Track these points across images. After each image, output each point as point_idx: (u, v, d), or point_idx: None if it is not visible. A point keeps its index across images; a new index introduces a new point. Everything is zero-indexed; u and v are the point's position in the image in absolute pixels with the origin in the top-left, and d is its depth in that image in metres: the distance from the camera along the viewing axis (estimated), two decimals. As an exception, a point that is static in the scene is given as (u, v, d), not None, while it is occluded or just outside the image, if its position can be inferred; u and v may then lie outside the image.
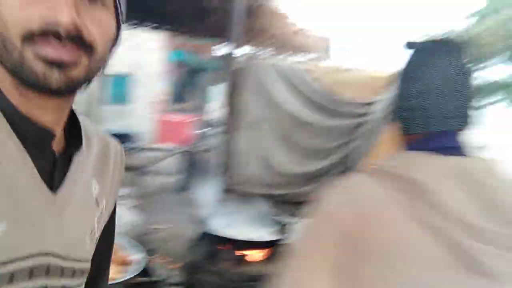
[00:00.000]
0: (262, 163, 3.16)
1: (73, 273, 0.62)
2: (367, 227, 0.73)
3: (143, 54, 7.42)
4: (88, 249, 0.66)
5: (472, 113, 0.83)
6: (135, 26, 4.84)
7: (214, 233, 2.07)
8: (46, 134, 0.58)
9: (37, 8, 0.50)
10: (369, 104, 3.00)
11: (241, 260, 2.10)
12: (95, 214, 0.68)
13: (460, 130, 0.81)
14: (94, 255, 0.69)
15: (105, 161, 0.72)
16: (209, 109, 7.72)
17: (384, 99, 2.86)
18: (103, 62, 0.59)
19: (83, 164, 0.65)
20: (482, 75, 12.44)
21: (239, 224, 2.26)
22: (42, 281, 0.56)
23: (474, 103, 0.85)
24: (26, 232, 0.54)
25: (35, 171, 0.55)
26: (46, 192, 0.57)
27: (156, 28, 5.04)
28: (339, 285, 0.73)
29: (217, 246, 2.02)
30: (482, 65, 11.88)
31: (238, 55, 3.25)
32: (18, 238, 0.53)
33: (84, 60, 0.54)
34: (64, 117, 0.61)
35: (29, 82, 0.52)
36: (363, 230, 0.73)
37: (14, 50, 0.51)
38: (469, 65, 0.84)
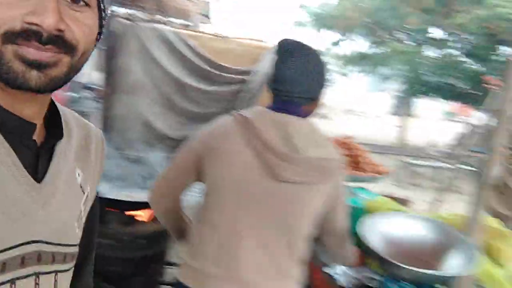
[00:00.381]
0: (144, 127, 3.14)
1: (64, 257, 0.63)
2: (216, 141, 1.26)
3: None
4: (77, 234, 0.68)
5: (319, 93, 1.31)
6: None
7: (103, 195, 2.09)
8: (27, 126, 0.58)
9: (20, 9, 0.50)
10: (247, 72, 3.19)
11: (131, 220, 2.18)
12: (81, 199, 0.69)
13: (303, 103, 1.28)
14: (81, 238, 0.70)
15: (87, 149, 0.72)
16: (85, 71, 7.16)
17: (261, 69, 3.08)
18: (85, 59, 0.59)
19: (66, 153, 0.65)
20: (348, 46, 13.66)
21: (126, 186, 2.31)
22: (34, 268, 0.57)
23: (324, 84, 1.32)
24: (14, 222, 0.54)
25: (19, 162, 0.56)
26: (31, 182, 0.57)
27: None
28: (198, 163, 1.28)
29: (106, 208, 2.05)
30: (346, 36, 13.07)
31: (117, 16, 3.13)
32: (7, 228, 0.53)
33: (65, 60, 0.54)
34: (44, 109, 0.62)
35: (8, 80, 0.52)
36: (213, 143, 1.26)
37: None
38: (321, 61, 1.30)
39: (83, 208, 0.69)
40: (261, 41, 3.38)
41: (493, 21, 8.53)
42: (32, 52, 0.51)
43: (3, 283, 0.53)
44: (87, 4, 0.56)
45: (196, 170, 1.29)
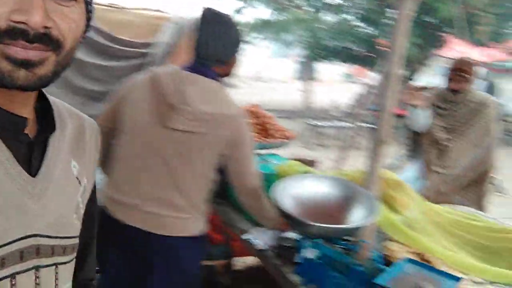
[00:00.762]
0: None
1: (64, 250, 0.63)
2: (127, 91, 1.53)
3: None
4: (76, 225, 0.67)
5: (229, 57, 1.53)
6: None
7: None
8: (18, 120, 0.58)
9: (4, 7, 0.49)
10: (148, 45, 3.04)
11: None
12: (78, 191, 0.68)
13: (212, 65, 1.49)
14: (81, 229, 0.70)
15: (82, 139, 0.72)
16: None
17: (161, 40, 2.96)
18: (71, 56, 0.58)
19: (59, 145, 0.65)
20: (250, 14, 13.66)
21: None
22: (33, 261, 0.57)
23: (237, 49, 1.54)
24: (10, 218, 0.54)
25: (12, 157, 0.56)
26: (26, 176, 0.57)
27: None
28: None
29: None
30: (248, 4, 13.04)
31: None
32: (3, 224, 0.53)
33: (52, 57, 0.54)
34: (33, 102, 0.62)
35: None
36: (125, 92, 1.53)
37: None
38: (234, 28, 1.51)
39: (80, 199, 0.69)
40: (160, 11, 3.23)
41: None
42: (19, 51, 0.50)
43: (2, 278, 0.53)
44: None
45: (113, 117, 1.53)
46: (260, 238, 1.76)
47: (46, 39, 0.52)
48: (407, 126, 3.08)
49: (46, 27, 0.51)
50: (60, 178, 0.64)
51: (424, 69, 12.29)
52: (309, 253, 1.47)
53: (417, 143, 2.96)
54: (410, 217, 1.68)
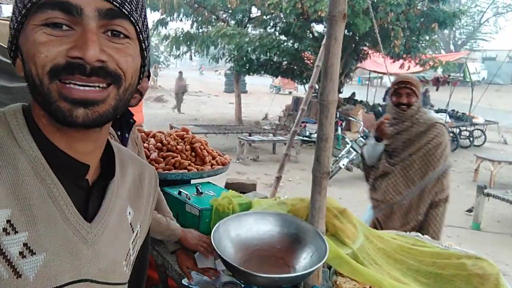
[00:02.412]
0: None
1: None
2: None
3: None
4: (125, 272, 0.68)
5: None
6: None
7: None
8: (81, 167, 0.60)
9: (62, 46, 0.52)
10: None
11: None
12: (130, 238, 0.69)
13: None
14: (130, 274, 0.71)
15: (140, 187, 0.73)
16: None
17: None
18: (132, 91, 0.59)
19: (118, 192, 0.67)
20: (174, 27, 13.39)
21: None
22: None
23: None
24: (64, 261, 0.56)
25: (70, 202, 0.57)
26: (82, 222, 0.59)
27: None
28: None
29: None
30: (172, 17, 12.75)
31: None
32: (57, 267, 0.55)
33: (112, 93, 0.55)
34: (99, 148, 0.63)
35: (57, 118, 0.53)
36: None
37: (42, 86, 0.52)
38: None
39: (132, 246, 0.70)
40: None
41: (303, 2, 9.37)
42: (75, 91, 0.52)
43: None
44: (126, 36, 0.56)
45: None
46: (200, 285, 1.57)
47: (103, 72, 0.53)
48: (361, 155, 2.90)
49: (101, 61, 0.52)
50: (115, 224, 0.65)
51: (347, 81, 12.87)
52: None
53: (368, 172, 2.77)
54: (357, 248, 1.59)
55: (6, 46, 2.14)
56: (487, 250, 4.36)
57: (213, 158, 2.33)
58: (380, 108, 12.01)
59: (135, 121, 1.66)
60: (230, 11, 12.13)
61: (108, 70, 0.53)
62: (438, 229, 2.60)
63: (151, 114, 12.77)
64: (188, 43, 13.09)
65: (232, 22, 12.42)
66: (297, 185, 6.45)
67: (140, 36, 0.59)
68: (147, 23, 0.61)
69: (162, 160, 2.15)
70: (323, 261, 1.25)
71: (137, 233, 0.72)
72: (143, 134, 2.34)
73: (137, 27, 0.57)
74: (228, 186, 2.42)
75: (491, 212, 5.71)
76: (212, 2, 11.68)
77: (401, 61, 11.02)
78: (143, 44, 0.60)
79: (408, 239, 1.86)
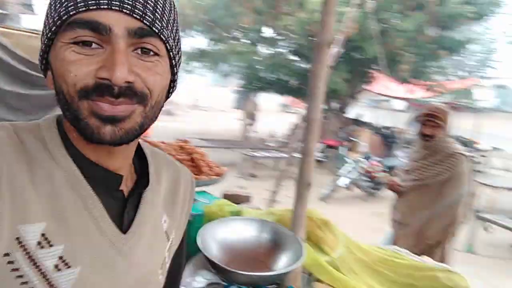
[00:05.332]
0: None
1: None
2: None
3: None
4: (160, 281, 0.68)
5: None
6: None
7: None
8: (114, 178, 0.60)
9: (92, 65, 0.51)
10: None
11: None
12: (165, 246, 0.69)
13: None
14: (165, 281, 0.71)
15: (175, 193, 0.73)
16: None
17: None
18: (158, 108, 0.59)
19: (153, 200, 0.66)
20: (188, 43, 13.71)
21: None
22: None
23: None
24: (99, 274, 0.56)
25: (105, 214, 0.58)
26: (117, 233, 0.59)
27: None
28: None
29: None
30: (186, 33, 13.06)
31: None
32: (92, 280, 0.55)
33: (138, 109, 0.54)
34: (130, 158, 0.63)
35: (85, 136, 0.53)
36: None
37: (72, 104, 0.52)
38: None
39: (167, 254, 0.70)
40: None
41: (313, 24, 9.60)
42: (105, 108, 0.52)
43: None
44: (156, 54, 0.56)
45: None
46: (187, 284, 1.68)
47: (131, 93, 0.53)
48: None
49: (130, 84, 0.52)
50: (150, 234, 0.64)
51: (354, 102, 12.99)
52: (237, 300, 1.42)
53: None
54: (337, 258, 1.70)
55: (28, 58, 2.32)
56: (479, 273, 4.41)
57: (210, 168, 2.45)
58: (387, 131, 12.06)
59: None
60: (243, 30, 12.41)
61: (135, 90, 0.53)
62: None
63: (161, 127, 12.97)
64: (201, 59, 13.39)
65: (244, 40, 12.69)
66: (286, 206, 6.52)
67: (171, 53, 0.58)
68: (179, 37, 0.61)
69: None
70: (299, 262, 1.36)
71: (172, 241, 0.71)
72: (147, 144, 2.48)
73: (167, 44, 0.57)
74: (225, 197, 2.54)
75: (485, 236, 5.76)
76: (226, 21, 12.01)
77: (408, 85, 11.15)
78: (173, 60, 0.59)
79: (388, 252, 1.96)
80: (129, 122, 0.54)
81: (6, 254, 0.50)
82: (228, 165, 3.54)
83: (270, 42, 12.38)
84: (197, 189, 2.34)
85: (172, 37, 0.58)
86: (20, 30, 3.13)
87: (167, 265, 0.71)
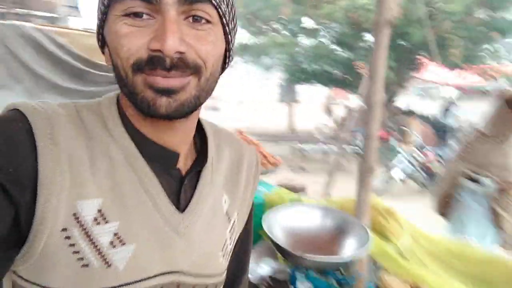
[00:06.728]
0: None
1: None
2: None
3: None
4: (221, 263, 0.66)
5: None
6: None
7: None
8: (171, 156, 0.59)
9: (144, 38, 0.50)
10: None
11: None
12: (226, 228, 0.66)
13: None
14: (229, 265, 0.69)
15: (238, 173, 0.70)
16: None
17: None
18: (214, 80, 0.57)
19: (212, 179, 0.64)
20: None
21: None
22: None
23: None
24: (154, 252, 0.55)
25: (162, 191, 0.57)
26: (173, 211, 0.57)
27: None
28: None
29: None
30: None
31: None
32: (147, 258, 0.54)
33: (192, 81, 0.53)
34: (189, 136, 0.62)
35: (141, 109, 0.52)
36: None
37: (127, 79, 0.51)
38: None
39: (228, 236, 0.67)
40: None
41: (355, 11, 9.36)
42: (159, 80, 0.51)
43: None
44: (208, 22, 0.53)
45: None
46: (252, 271, 1.70)
47: (183, 65, 0.51)
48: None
49: (180, 52, 0.50)
50: (209, 214, 0.62)
51: (402, 91, 12.57)
52: (302, 286, 1.41)
53: None
54: (402, 246, 1.64)
55: (83, 55, 2.43)
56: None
57: (266, 158, 2.46)
58: (439, 120, 11.53)
59: None
60: (282, 22, 12.33)
61: (187, 61, 0.51)
62: None
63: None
64: (243, 52, 13.45)
65: (284, 32, 12.60)
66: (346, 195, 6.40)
67: (223, 19, 0.55)
68: (232, 3, 0.58)
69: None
70: (366, 247, 1.33)
71: (234, 222, 0.69)
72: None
73: (219, 10, 0.54)
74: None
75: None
76: (265, 13, 11.96)
77: (459, 70, 10.63)
78: (226, 27, 0.56)
79: (457, 243, 1.88)
80: (184, 94, 0.52)
81: (64, 229, 0.50)
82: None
83: (311, 32, 12.21)
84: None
85: (225, 2, 0.55)
86: (75, 30, 3.26)
87: (229, 248, 0.69)
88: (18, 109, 0.51)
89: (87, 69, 2.94)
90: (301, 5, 10.95)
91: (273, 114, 18.89)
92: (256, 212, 1.81)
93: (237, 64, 14.54)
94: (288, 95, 15.66)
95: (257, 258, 1.69)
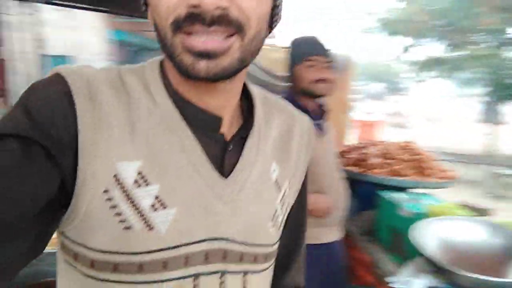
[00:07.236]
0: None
1: (255, 258, 0.60)
2: None
3: (83, 35, 7.18)
4: (271, 233, 0.62)
5: None
6: (71, 6, 4.68)
7: None
8: (213, 120, 0.57)
9: None
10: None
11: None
12: (276, 197, 0.63)
13: None
14: (282, 237, 0.67)
15: (288, 141, 0.67)
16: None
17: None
18: (260, 40, 0.53)
19: (259, 146, 0.61)
20: (421, 51, 12.99)
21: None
22: (218, 266, 0.56)
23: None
24: (197, 217, 0.53)
25: (204, 156, 0.55)
26: (216, 177, 0.55)
27: (93, 9, 4.91)
28: None
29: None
30: (417, 41, 12.44)
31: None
32: (189, 223, 0.53)
33: (236, 43, 0.49)
34: (233, 99, 0.59)
35: (180, 71, 0.50)
36: None
37: (167, 40, 0.49)
38: None
39: (279, 206, 0.64)
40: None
41: None
42: (196, 43, 0.48)
43: (185, 277, 0.53)
44: None
45: None
46: (407, 284, 1.58)
47: (224, 21, 0.47)
48: None
49: (222, 9, 0.47)
50: (256, 182, 0.60)
51: None
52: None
53: None
54: None
55: (269, 69, 2.64)
56: None
57: (435, 170, 2.24)
58: None
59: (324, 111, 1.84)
60: (483, 33, 10.92)
61: (230, 18, 0.47)
62: None
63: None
64: (435, 67, 12.45)
65: (483, 44, 11.13)
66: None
67: None
68: None
69: (382, 166, 2.23)
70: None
71: (284, 192, 0.65)
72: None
73: None
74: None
75: None
76: (463, 24, 10.82)
77: None
78: None
79: None
80: (226, 59, 0.49)
81: (105, 191, 0.49)
82: (469, 183, 3.07)
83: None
84: (420, 191, 2.18)
85: None
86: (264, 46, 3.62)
87: (281, 218, 0.65)
88: (58, 73, 0.51)
89: (274, 82, 3.23)
90: (506, 13, 9.53)
91: (469, 133, 16.85)
92: (413, 222, 1.67)
93: (428, 79, 13.53)
94: (489, 114, 13.75)
95: (413, 272, 1.56)
